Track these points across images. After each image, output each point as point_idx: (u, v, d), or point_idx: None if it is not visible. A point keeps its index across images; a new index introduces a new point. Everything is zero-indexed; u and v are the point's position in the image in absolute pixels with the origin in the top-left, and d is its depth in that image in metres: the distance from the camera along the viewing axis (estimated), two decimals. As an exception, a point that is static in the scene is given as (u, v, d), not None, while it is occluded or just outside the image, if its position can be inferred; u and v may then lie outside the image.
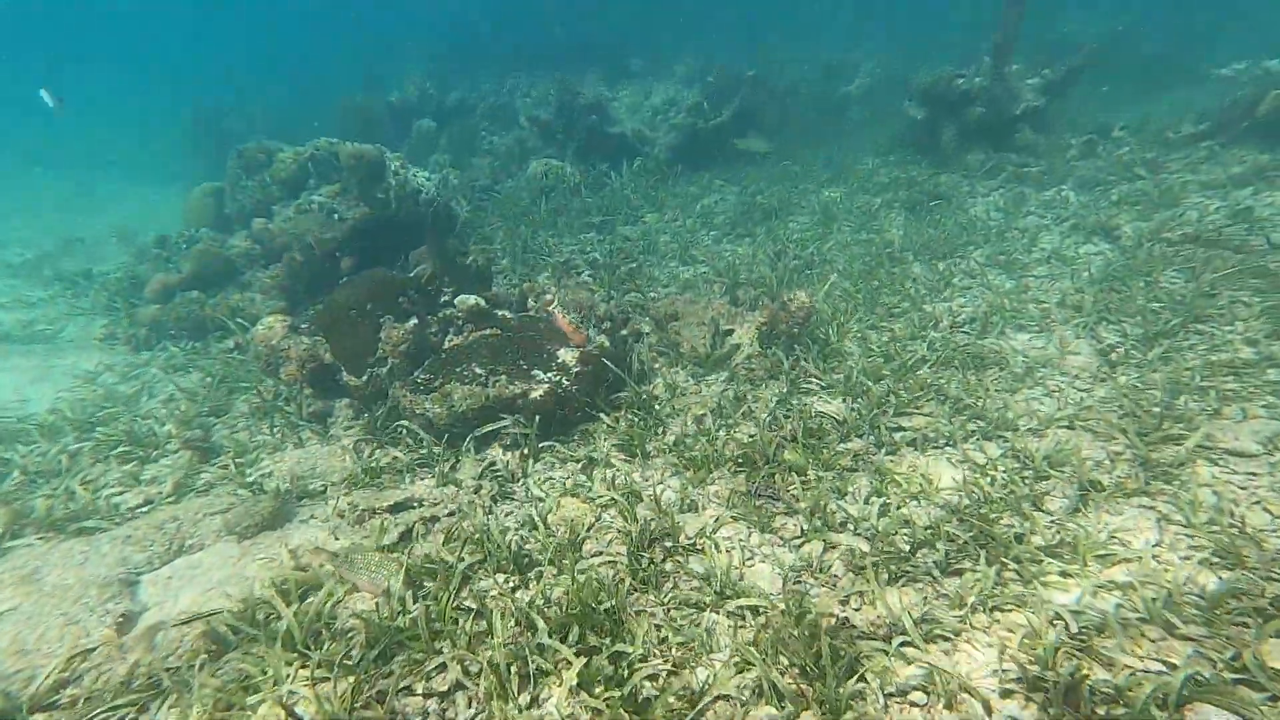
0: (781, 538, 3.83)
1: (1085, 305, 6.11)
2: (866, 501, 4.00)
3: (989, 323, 6.10)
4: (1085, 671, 2.65)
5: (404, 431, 5.21)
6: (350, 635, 3.07)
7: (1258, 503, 3.58)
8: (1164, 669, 2.70)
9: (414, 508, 4.30)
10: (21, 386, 6.85)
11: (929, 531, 3.60)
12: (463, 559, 3.64)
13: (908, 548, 3.52)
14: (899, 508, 3.88)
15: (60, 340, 8.44)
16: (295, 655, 2.90)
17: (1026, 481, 4.01)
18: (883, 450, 4.51)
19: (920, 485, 4.04)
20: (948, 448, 4.48)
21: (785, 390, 5.36)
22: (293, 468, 4.83)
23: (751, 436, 4.86)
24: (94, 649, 2.91)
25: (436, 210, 10.41)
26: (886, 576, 3.37)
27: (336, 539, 3.88)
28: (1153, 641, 2.82)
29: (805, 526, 3.81)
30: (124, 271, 9.58)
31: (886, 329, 6.24)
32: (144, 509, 4.38)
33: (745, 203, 10.68)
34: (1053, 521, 3.65)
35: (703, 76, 16.03)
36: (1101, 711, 2.52)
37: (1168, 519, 3.55)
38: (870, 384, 5.18)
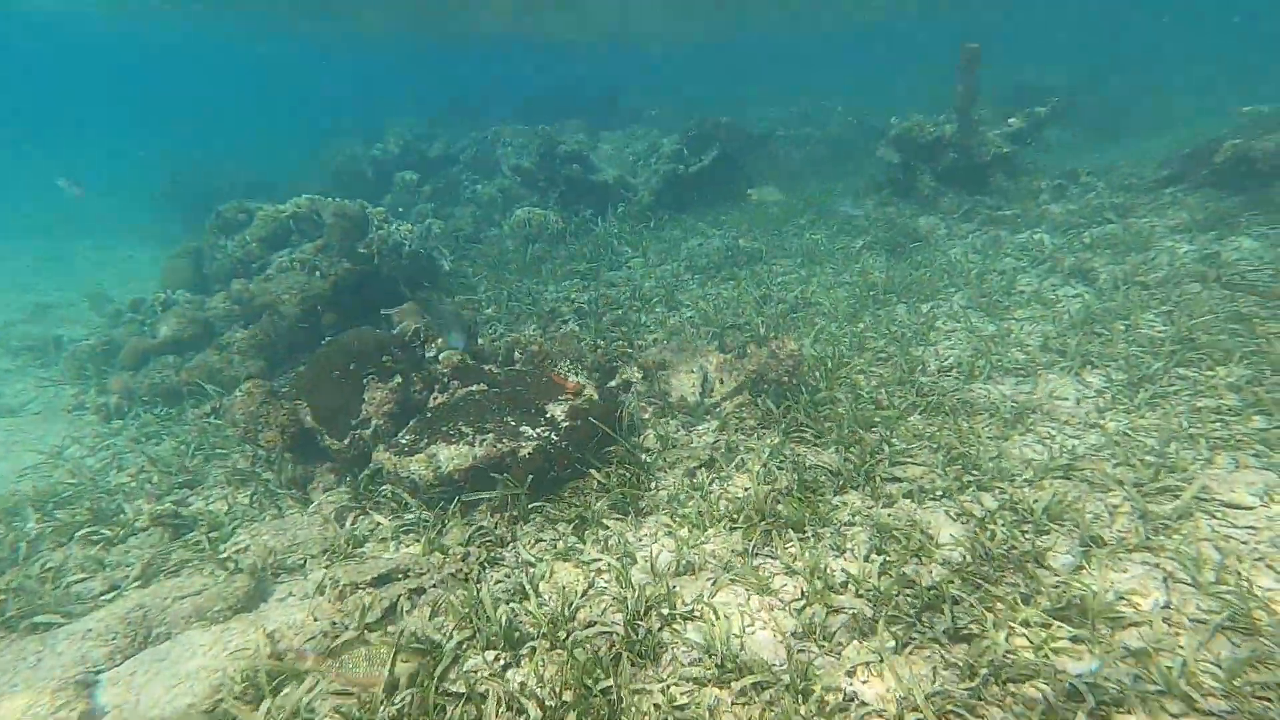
0: (781, 600, 3.71)
1: (1069, 349, 6.18)
2: (867, 559, 3.90)
3: (975, 367, 6.13)
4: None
5: (388, 496, 5.03)
6: (331, 732, 2.87)
7: (1260, 559, 3.53)
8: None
9: (399, 579, 4.11)
10: (-17, 463, 6.56)
11: (932, 593, 3.49)
12: (451, 636, 3.46)
13: (913, 611, 3.41)
14: (900, 566, 3.78)
15: (25, 413, 8.13)
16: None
17: (1027, 536, 3.94)
18: (880, 503, 4.44)
19: (920, 541, 3.95)
20: (944, 500, 4.41)
21: (778, 440, 5.29)
22: (270, 541, 4.62)
23: (746, 490, 4.77)
24: None
25: (419, 262, 10.40)
26: (893, 643, 3.25)
27: (315, 619, 3.67)
28: (1174, 717, 2.71)
29: (806, 588, 3.69)
30: (96, 337, 9.35)
31: (875, 374, 6.24)
32: (108, 596, 4.12)
33: (728, 246, 10.81)
34: (1058, 581, 3.56)
35: (681, 126, 16.48)
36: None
37: (1173, 577, 3.49)
38: (863, 432, 5.14)
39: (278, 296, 8.58)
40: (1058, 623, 3.22)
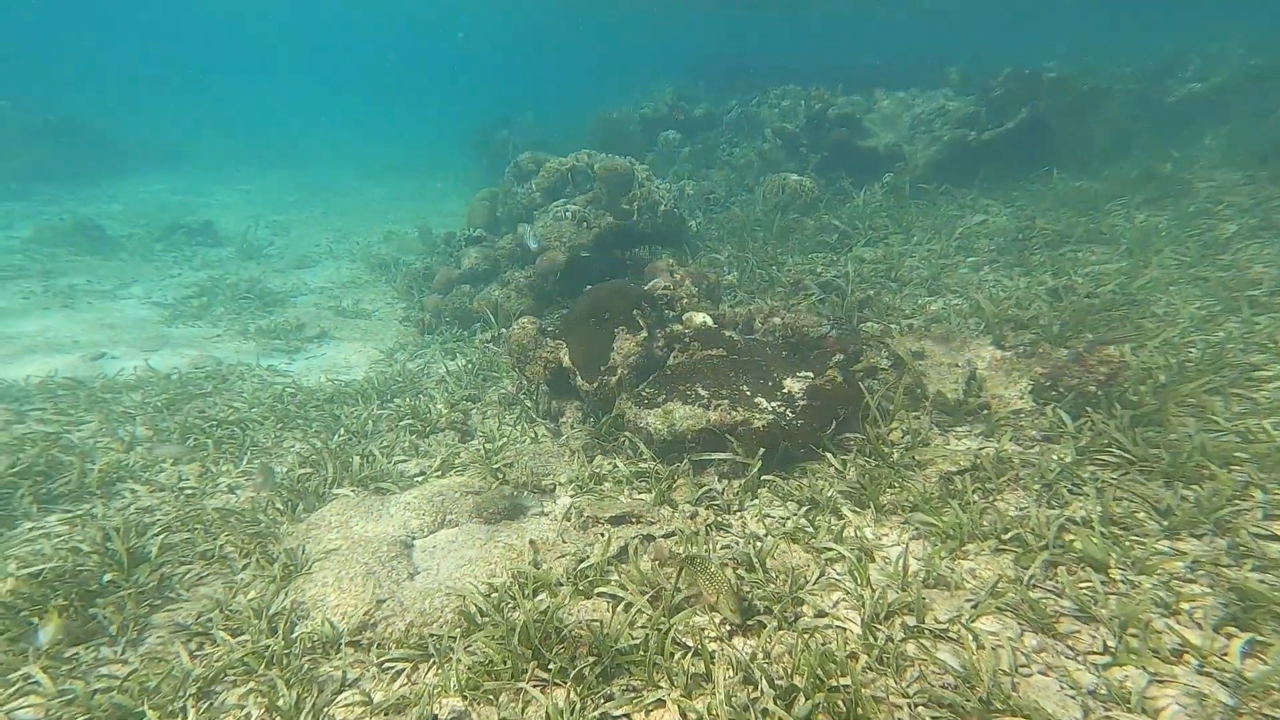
0: (1071, 648, 3.03)
1: None
2: (1218, 630, 2.98)
3: None
4: None
5: (626, 443, 5.28)
6: (576, 644, 3.09)
7: None
8: None
9: (633, 522, 4.29)
10: (350, 355, 8.62)
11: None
12: (680, 589, 3.49)
13: (1290, 715, 2.52)
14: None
15: (375, 317, 10.47)
16: (530, 653, 3.01)
17: None
18: (1247, 565, 3.36)
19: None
20: (1353, 580, 3.18)
21: (1070, 459, 4.34)
22: (530, 463, 5.18)
23: (1021, 509, 4.01)
24: (385, 600, 3.39)
25: (671, 222, 10.71)
26: (1255, 749, 2.44)
27: (564, 541, 4.01)
28: None
29: (1113, 643, 2.95)
30: (420, 263, 11.52)
31: (1244, 398, 4.75)
32: (419, 478, 5.07)
33: (1021, 226, 9.17)
34: None
35: (980, 84, 14.20)
36: None
37: None
38: (1216, 468, 3.94)
39: (549, 242, 9.52)
40: None
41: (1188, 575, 3.29)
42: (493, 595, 3.37)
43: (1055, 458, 4.44)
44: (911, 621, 3.25)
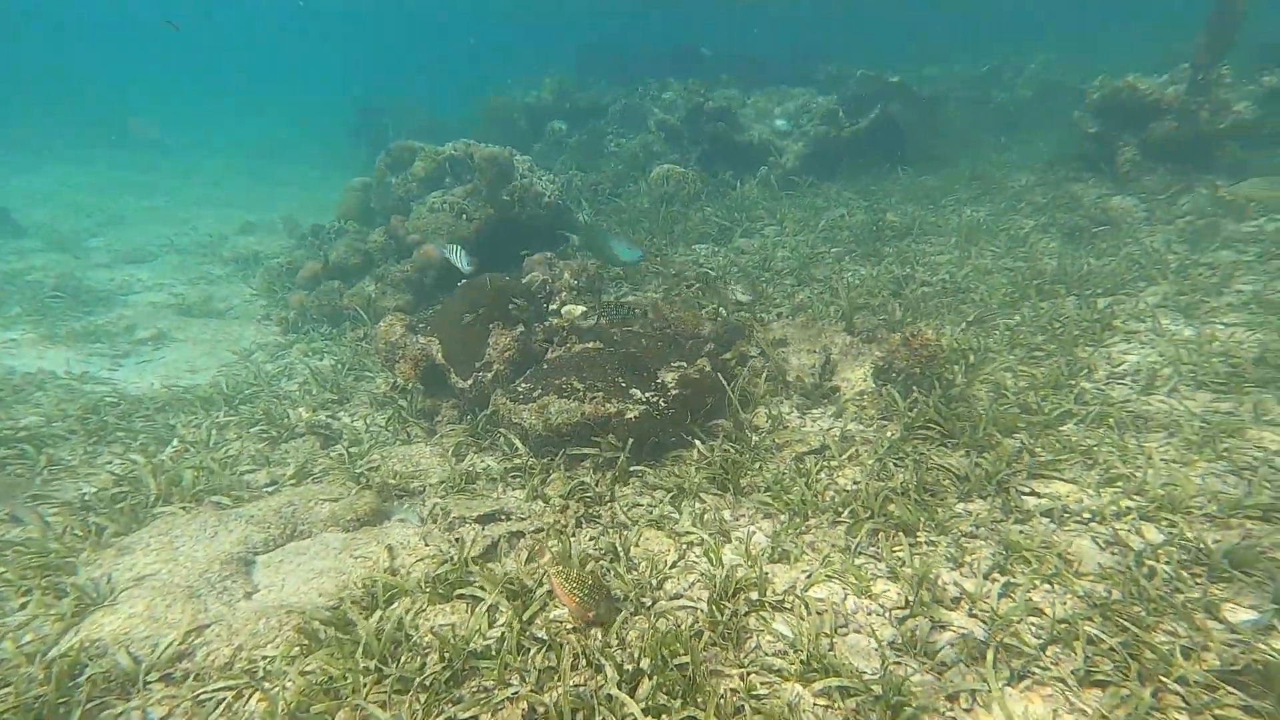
0: (882, 605, 3.46)
1: (1294, 366, 5.05)
2: (986, 577, 3.51)
3: (1158, 376, 5.21)
4: None
5: (501, 440, 5.31)
6: (426, 651, 3.12)
7: None
8: None
9: (502, 520, 4.34)
10: (195, 358, 7.87)
11: (1063, 626, 3.08)
12: (541, 585, 3.61)
13: (1037, 643, 3.03)
14: (1028, 590, 3.37)
15: (229, 316, 9.61)
16: (374, 666, 2.98)
17: (1199, 582, 3.33)
18: (1011, 518, 3.96)
19: (1055, 567, 3.48)
20: (1094, 524, 3.84)
21: (898, 435, 4.88)
22: (397, 465, 5.08)
23: (856, 483, 4.47)
24: (209, 625, 3.17)
25: (557, 213, 10.68)
26: (1007, 674, 2.92)
27: (427, 544, 4.00)
28: None
29: (911, 597, 3.40)
30: (284, 256, 10.71)
31: (1026, 374, 5.52)
32: (269, 488, 4.79)
33: (874, 220, 9.99)
34: (1235, 639, 2.98)
35: (841, 84, 15.23)
36: None
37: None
38: (1001, 437, 4.58)
39: (426, 236, 9.23)
40: (1227, 687, 2.70)
41: (972, 532, 3.84)
42: (340, 608, 3.29)
43: (888, 434, 4.97)
44: (755, 596, 3.56)
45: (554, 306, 7.20)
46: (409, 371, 5.71)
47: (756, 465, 4.79)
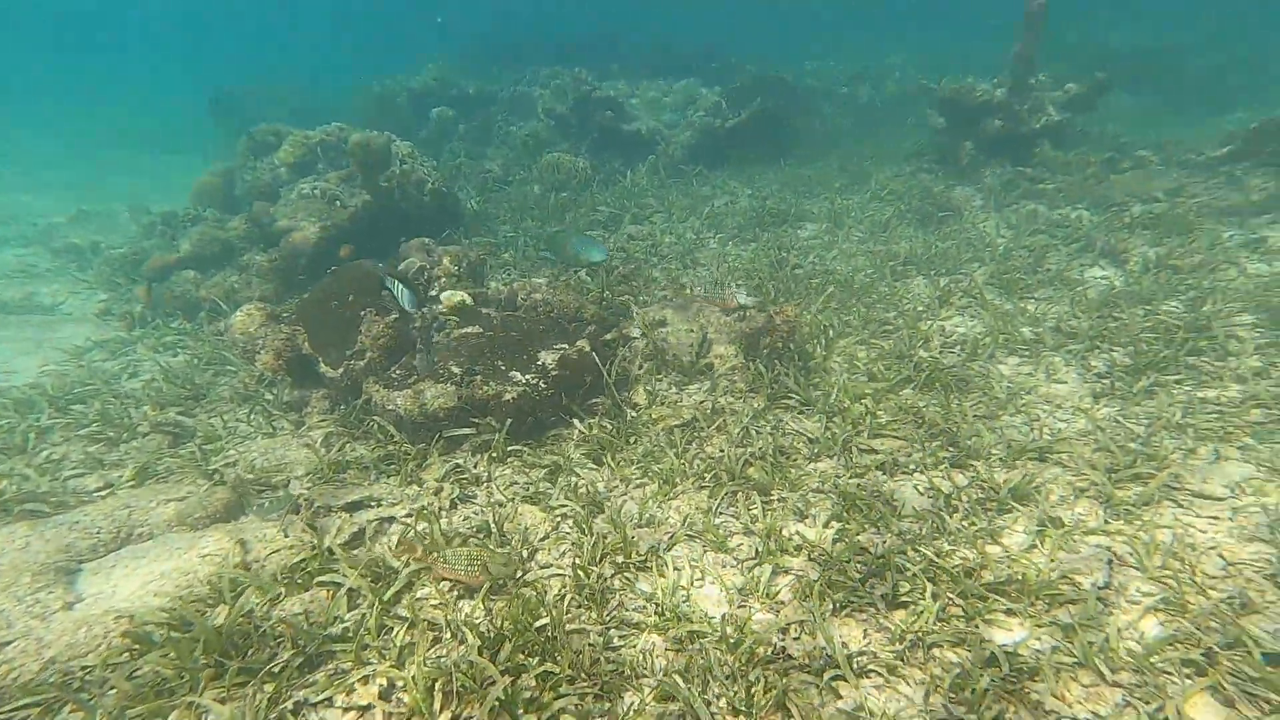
0: (735, 558, 3.75)
1: (1079, 331, 5.91)
2: (825, 525, 3.90)
3: (980, 345, 5.92)
4: (1009, 718, 2.57)
5: (375, 427, 5.19)
6: (279, 641, 3.04)
7: (1214, 548, 3.46)
8: (1091, 717, 2.60)
9: (371, 506, 4.27)
10: (11, 359, 6.98)
11: (880, 561, 3.49)
12: (408, 565, 3.60)
13: (859, 576, 3.42)
14: (858, 534, 3.78)
15: (59, 312, 8.58)
16: (214, 661, 2.87)
17: (989, 514, 3.89)
18: (850, 473, 4.40)
19: (881, 512, 3.92)
20: (916, 474, 4.35)
21: (762, 406, 5.25)
22: (257, 459, 4.83)
23: (721, 451, 4.77)
24: (11, 642, 2.90)
25: (443, 201, 10.40)
26: (832, 606, 3.28)
27: (286, 536, 3.86)
28: (1084, 687, 2.74)
29: (760, 548, 3.72)
30: (129, 246, 9.69)
31: (876, 346, 6.09)
32: (103, 493, 4.40)
33: (756, 207, 10.52)
34: (1006, 557, 3.53)
35: (726, 78, 15.82)
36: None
37: (1124, 561, 3.43)
38: (849, 403, 5.06)
39: (296, 224, 8.72)
40: (995, 596, 3.21)
41: (818, 488, 4.24)
42: (179, 608, 3.11)
43: (753, 405, 5.32)
44: (620, 559, 3.74)
45: (433, 293, 7.06)
46: (272, 363, 5.43)
47: (631, 440, 4.99)
